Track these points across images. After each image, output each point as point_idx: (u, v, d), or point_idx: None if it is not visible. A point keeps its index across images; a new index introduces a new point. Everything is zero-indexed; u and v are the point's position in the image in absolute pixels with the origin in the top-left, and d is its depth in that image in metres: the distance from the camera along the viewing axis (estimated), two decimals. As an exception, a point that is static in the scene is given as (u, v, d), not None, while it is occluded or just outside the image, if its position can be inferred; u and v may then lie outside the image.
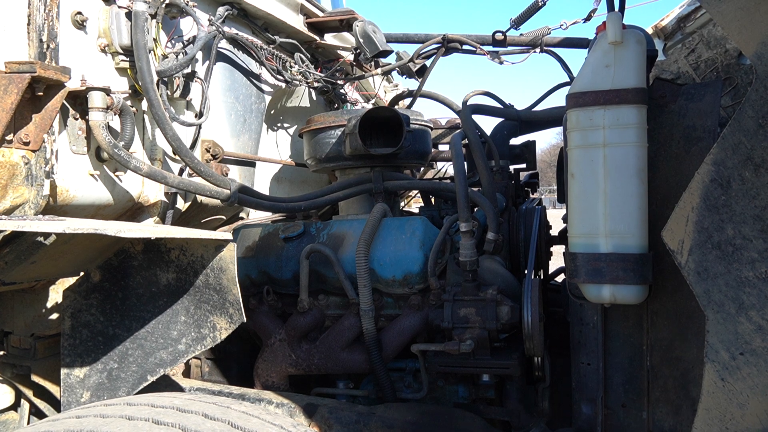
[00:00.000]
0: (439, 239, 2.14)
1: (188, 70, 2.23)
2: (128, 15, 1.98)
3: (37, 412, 2.33)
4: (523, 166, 3.14)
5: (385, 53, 2.93)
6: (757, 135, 1.21)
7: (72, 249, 1.75)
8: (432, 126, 2.95)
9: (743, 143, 1.23)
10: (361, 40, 2.87)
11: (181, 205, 2.31)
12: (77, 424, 1.27)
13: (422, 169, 3.75)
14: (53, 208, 1.81)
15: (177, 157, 2.22)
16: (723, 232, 1.28)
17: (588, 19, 2.80)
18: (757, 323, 1.26)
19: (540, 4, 2.79)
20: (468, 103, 2.82)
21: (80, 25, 1.89)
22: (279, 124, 3.21)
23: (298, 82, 2.94)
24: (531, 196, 3.25)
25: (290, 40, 2.90)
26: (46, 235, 1.65)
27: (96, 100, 1.84)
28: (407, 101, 3.41)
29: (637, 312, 1.84)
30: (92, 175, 1.93)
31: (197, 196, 2.30)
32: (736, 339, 1.28)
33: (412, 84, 3.48)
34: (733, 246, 1.28)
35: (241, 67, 2.65)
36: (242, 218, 2.82)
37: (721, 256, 1.29)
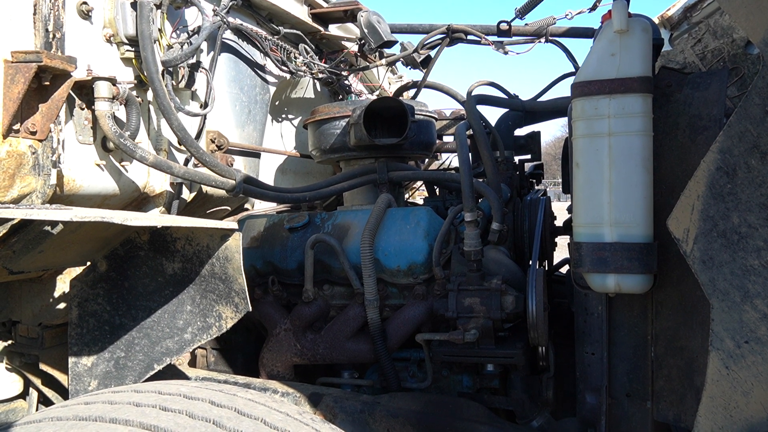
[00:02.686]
0: (443, 229, 2.14)
1: (193, 61, 2.24)
2: (133, 5, 1.98)
3: (45, 401, 2.35)
4: (528, 156, 3.13)
5: (390, 44, 2.92)
6: (763, 123, 1.21)
7: (79, 238, 1.76)
8: (436, 117, 2.95)
9: (749, 131, 1.22)
10: (365, 31, 2.86)
11: (187, 195, 2.32)
12: (86, 410, 1.28)
13: (427, 160, 3.75)
14: (60, 197, 1.82)
15: (182, 148, 2.23)
16: (728, 220, 1.28)
17: (593, 8, 2.79)
18: (762, 311, 1.26)
19: (545, -7, 2.78)
20: (473, 94, 2.82)
21: (86, 15, 1.89)
22: (283, 115, 3.21)
23: (302, 73, 2.94)
24: (536, 186, 3.25)
25: (295, 31, 2.90)
26: (54, 224, 1.66)
27: (102, 89, 1.85)
28: (412, 92, 3.41)
29: (641, 301, 1.84)
30: (98, 165, 1.94)
31: (202, 186, 2.31)
32: (741, 327, 1.28)
33: (417, 75, 3.48)
34: (739, 234, 1.27)
35: (245, 58, 2.65)
36: (247, 209, 2.83)
37: (727, 245, 1.29)
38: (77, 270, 2.07)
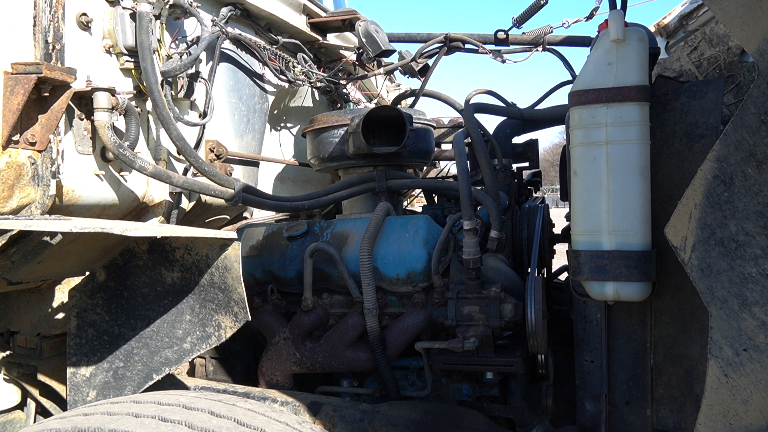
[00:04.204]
0: (442, 237, 2.14)
1: (192, 71, 2.24)
2: (132, 16, 1.99)
3: (43, 411, 2.34)
4: (526, 164, 3.14)
5: (388, 53, 2.93)
6: (759, 131, 1.22)
7: (78, 248, 1.76)
8: (435, 125, 2.96)
9: (746, 140, 1.23)
10: (363, 40, 2.88)
11: (186, 204, 2.32)
12: (84, 421, 1.28)
13: (425, 168, 3.76)
14: (59, 208, 1.82)
15: (181, 157, 2.23)
16: (726, 228, 1.29)
17: (590, 17, 2.80)
18: (760, 319, 1.26)
19: (542, 2, 2.80)
20: (470, 102, 2.83)
21: (85, 26, 1.90)
22: (282, 124, 3.22)
23: (301, 82, 2.95)
24: (534, 194, 3.26)
25: (293, 41, 2.91)
26: (53, 234, 1.66)
27: (101, 100, 1.85)
28: (410, 100, 3.42)
29: (640, 309, 1.84)
30: (98, 175, 1.94)
31: (201, 195, 2.31)
32: (740, 335, 1.29)
33: (415, 83, 3.49)
34: (736, 242, 1.28)
35: (244, 68, 2.66)
36: (246, 218, 2.83)
37: (724, 253, 1.30)
38: (76, 280, 2.07)
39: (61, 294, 2.21)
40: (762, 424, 1.26)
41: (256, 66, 2.73)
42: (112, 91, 1.88)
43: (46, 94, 1.68)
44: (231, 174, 2.49)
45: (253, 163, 2.75)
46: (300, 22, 2.93)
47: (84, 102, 1.88)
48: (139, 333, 1.81)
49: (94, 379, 1.85)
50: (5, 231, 1.61)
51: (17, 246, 1.68)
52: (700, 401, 1.36)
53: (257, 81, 2.75)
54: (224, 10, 2.47)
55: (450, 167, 3.69)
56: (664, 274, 1.73)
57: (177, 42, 2.23)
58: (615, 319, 1.89)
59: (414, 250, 2.17)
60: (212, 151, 2.42)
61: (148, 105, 2.17)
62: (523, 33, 3.01)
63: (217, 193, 2.18)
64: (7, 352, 2.32)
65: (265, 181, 2.99)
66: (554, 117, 2.91)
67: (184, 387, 2.16)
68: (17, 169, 1.64)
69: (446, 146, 3.40)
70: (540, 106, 3.06)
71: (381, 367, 2.13)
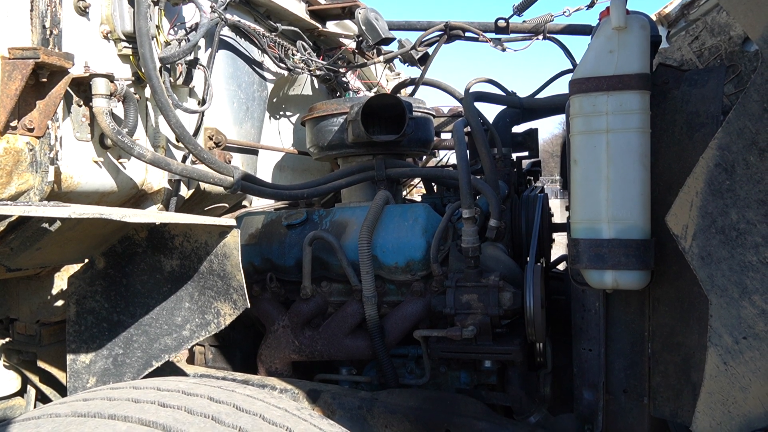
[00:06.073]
0: (441, 226, 2.14)
1: (191, 57, 2.23)
2: (131, 1, 1.98)
3: (43, 398, 2.35)
4: (526, 153, 3.14)
5: (388, 41, 2.92)
6: (762, 119, 1.21)
7: (77, 235, 1.76)
8: (434, 114, 2.95)
9: (748, 127, 1.23)
10: (363, 28, 2.86)
11: (185, 192, 2.31)
12: (84, 406, 1.28)
13: (424, 157, 3.75)
14: (57, 194, 1.82)
15: (180, 145, 2.22)
16: (727, 216, 1.29)
17: (591, 5, 2.79)
18: (760, 308, 1.26)
19: (543, -10, 2.78)
20: (470, 91, 2.82)
21: (83, 11, 1.89)
22: (281, 112, 3.21)
23: (300, 70, 2.93)
24: (533, 183, 3.26)
25: (292, 28, 2.89)
26: (51, 221, 1.65)
27: (99, 86, 1.84)
28: (409, 89, 3.41)
29: (638, 298, 1.84)
30: (96, 162, 1.93)
31: (200, 183, 2.30)
32: (739, 323, 1.29)
33: (415, 72, 3.47)
34: (737, 231, 1.28)
35: (243, 55, 2.64)
36: (245, 206, 2.83)
37: (725, 241, 1.30)
38: (75, 267, 2.06)
39: (61, 281, 2.20)
40: (761, 412, 1.27)
41: (255, 53, 2.72)
42: (110, 77, 1.87)
43: (44, 79, 1.67)
44: (230, 162, 2.48)
45: (252, 151, 2.74)
46: (299, 10, 2.91)
47: (82, 88, 1.87)
48: (139, 320, 1.81)
49: (94, 366, 1.86)
50: (4, 217, 1.60)
51: (16, 232, 1.67)
52: (697, 389, 1.36)
53: (256, 68, 2.74)
54: (223, -3, 2.45)
55: (449, 156, 3.68)
56: (663, 262, 1.73)
57: (176, 28, 2.22)
58: (613, 307, 1.89)
59: (413, 239, 2.16)
60: (211, 139, 2.41)
61: (147, 92, 2.16)
62: (524, 21, 3.00)
63: (216, 180, 2.18)
64: (7, 339, 2.32)
65: (264, 169, 2.99)
66: (554, 106, 2.90)
67: (184, 374, 2.16)
68: (15, 155, 1.63)
69: (446, 135, 3.39)
70: (540, 95, 3.05)
71: (380, 355, 2.13)
